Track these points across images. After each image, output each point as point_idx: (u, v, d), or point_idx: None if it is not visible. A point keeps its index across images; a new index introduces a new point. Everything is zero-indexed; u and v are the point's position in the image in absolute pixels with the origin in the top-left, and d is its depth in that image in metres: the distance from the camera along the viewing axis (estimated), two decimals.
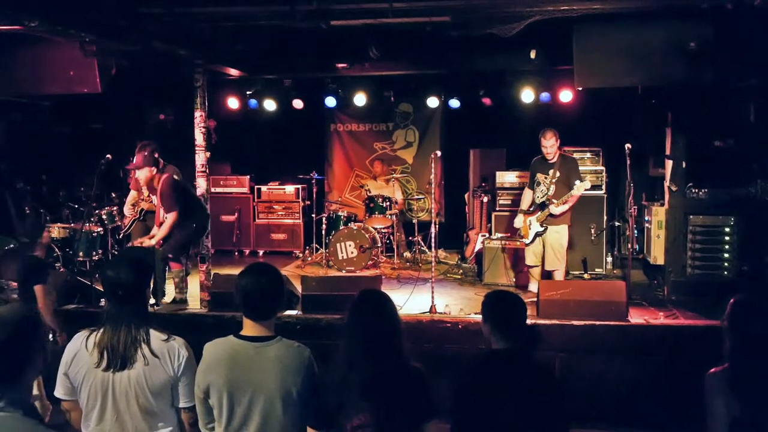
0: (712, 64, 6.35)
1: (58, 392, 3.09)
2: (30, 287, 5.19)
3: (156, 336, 3.03)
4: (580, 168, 7.69)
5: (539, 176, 7.45)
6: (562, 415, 3.00)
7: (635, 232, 7.91)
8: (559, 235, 7.36)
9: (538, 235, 7.40)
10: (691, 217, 7.65)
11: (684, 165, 7.63)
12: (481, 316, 3.19)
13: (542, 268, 7.59)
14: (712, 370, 2.98)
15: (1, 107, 8.75)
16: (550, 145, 7.26)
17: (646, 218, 8.54)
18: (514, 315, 3.10)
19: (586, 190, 7.18)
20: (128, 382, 2.97)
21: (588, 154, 9.20)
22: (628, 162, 7.06)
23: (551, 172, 7.33)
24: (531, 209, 7.54)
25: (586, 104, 9.43)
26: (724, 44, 6.30)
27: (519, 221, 7.62)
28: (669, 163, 7.72)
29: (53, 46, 6.84)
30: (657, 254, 8.10)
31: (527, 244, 7.54)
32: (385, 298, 3.09)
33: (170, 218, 6.79)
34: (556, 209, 7.20)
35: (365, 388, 2.81)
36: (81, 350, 3.02)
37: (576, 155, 9.04)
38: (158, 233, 6.82)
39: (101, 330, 3.02)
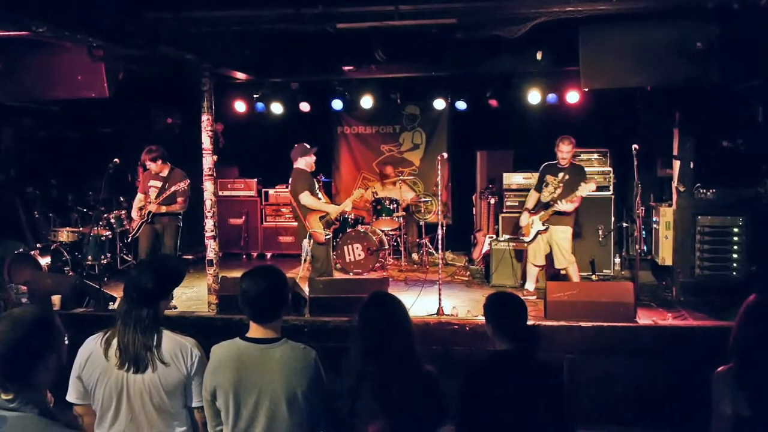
0: (719, 64, 6.33)
1: (71, 396, 3.08)
2: None
3: (169, 336, 3.04)
4: (588, 169, 7.90)
5: (548, 178, 7.56)
6: (569, 415, 2.99)
7: (643, 233, 7.88)
8: (565, 234, 7.46)
9: (539, 233, 7.53)
10: (699, 217, 7.63)
11: (692, 165, 7.62)
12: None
13: (546, 269, 7.72)
14: (719, 369, 2.98)
15: (11, 113, 8.80)
16: (567, 151, 7.38)
17: (654, 219, 8.53)
18: (514, 316, 3.11)
19: (591, 191, 7.32)
20: (142, 382, 2.98)
21: (595, 155, 9.17)
22: (636, 163, 7.03)
23: (560, 175, 7.44)
24: (535, 209, 7.64)
25: (593, 105, 9.40)
26: (731, 44, 6.28)
27: (525, 219, 7.70)
28: (677, 164, 7.70)
29: (61, 52, 6.87)
30: (665, 255, 8.09)
31: (528, 243, 7.69)
32: (396, 301, 3.05)
33: None
34: (562, 206, 7.29)
35: (379, 393, 2.78)
36: (95, 352, 3.03)
37: (583, 156, 9.09)
38: None
39: (113, 330, 3.03)
